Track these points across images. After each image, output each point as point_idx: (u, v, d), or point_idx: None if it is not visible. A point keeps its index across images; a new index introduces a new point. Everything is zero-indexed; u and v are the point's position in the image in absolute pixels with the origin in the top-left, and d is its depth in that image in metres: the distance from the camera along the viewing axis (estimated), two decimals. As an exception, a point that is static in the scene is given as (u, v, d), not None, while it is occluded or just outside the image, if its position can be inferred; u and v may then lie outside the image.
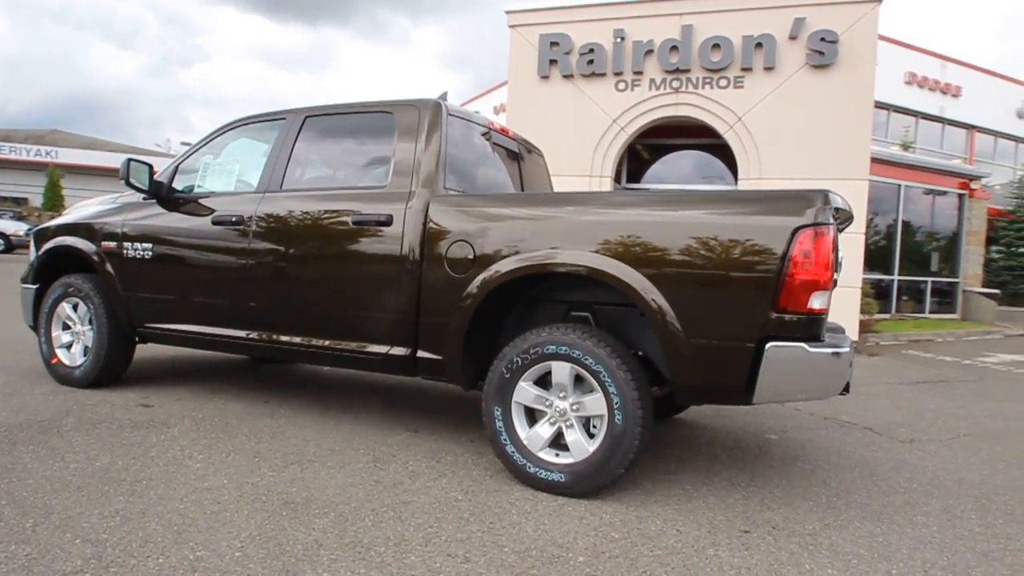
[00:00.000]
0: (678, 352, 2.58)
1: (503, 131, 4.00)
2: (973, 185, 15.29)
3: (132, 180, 3.73)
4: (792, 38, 8.87)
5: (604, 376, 2.68)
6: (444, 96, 3.61)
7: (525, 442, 2.87)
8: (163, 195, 3.94)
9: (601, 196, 3.10)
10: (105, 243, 4.08)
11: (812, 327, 2.46)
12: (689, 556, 2.30)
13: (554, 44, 9.94)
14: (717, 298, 2.55)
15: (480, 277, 2.92)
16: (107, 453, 3.01)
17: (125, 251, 3.98)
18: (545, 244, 2.83)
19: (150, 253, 3.89)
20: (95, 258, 4.08)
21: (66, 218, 4.45)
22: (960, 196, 15.44)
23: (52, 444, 3.09)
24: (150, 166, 3.86)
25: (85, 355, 4.25)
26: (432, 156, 3.24)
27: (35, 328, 4.50)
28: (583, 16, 9.86)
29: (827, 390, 2.54)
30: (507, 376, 2.89)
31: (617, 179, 10.80)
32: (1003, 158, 22.58)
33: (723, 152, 10.10)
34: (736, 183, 9.64)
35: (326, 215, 3.38)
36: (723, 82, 9.25)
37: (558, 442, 2.87)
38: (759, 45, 8.97)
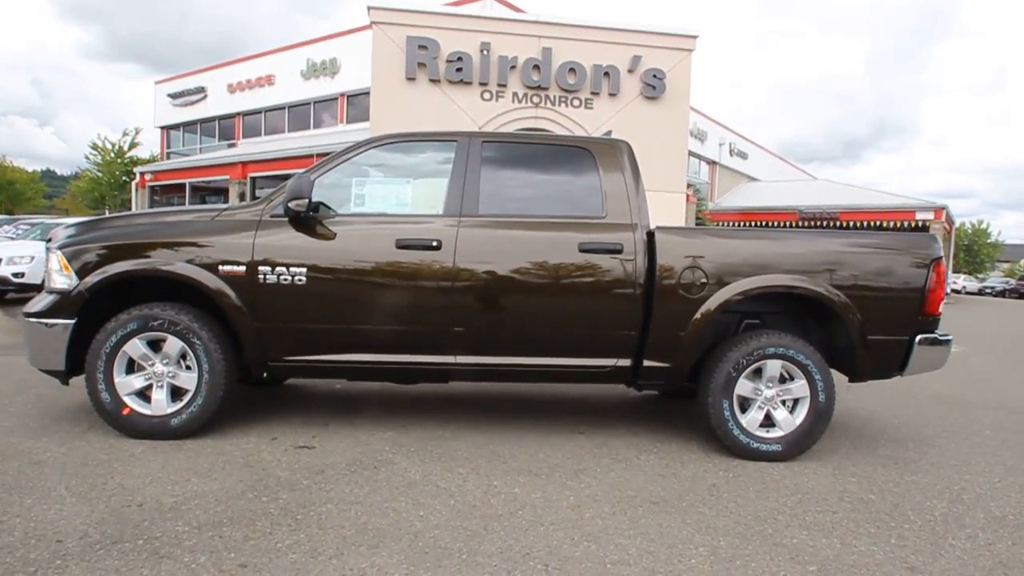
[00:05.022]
0: (865, 345, 3.65)
1: None
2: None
3: (311, 199, 3.37)
4: (630, 71, 10.63)
5: (811, 367, 3.62)
6: (610, 133, 4.06)
7: (746, 425, 3.65)
8: (303, 215, 3.57)
9: (802, 233, 3.93)
10: (227, 268, 3.50)
11: (936, 324, 3.76)
12: (928, 484, 3.40)
13: (422, 47, 10.10)
14: (887, 307, 3.68)
15: (716, 296, 3.57)
16: (422, 497, 2.89)
17: (263, 277, 3.50)
18: (767, 269, 3.62)
19: (304, 279, 3.51)
20: (213, 285, 3.48)
21: (125, 235, 3.59)
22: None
23: (342, 497, 2.82)
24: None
25: (174, 400, 3.58)
26: (641, 191, 3.74)
27: (63, 373, 3.61)
28: (450, 24, 10.22)
29: (940, 365, 3.87)
30: (733, 375, 3.62)
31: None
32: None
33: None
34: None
35: (547, 241, 3.60)
36: (576, 102, 10.62)
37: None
38: (606, 74, 10.54)
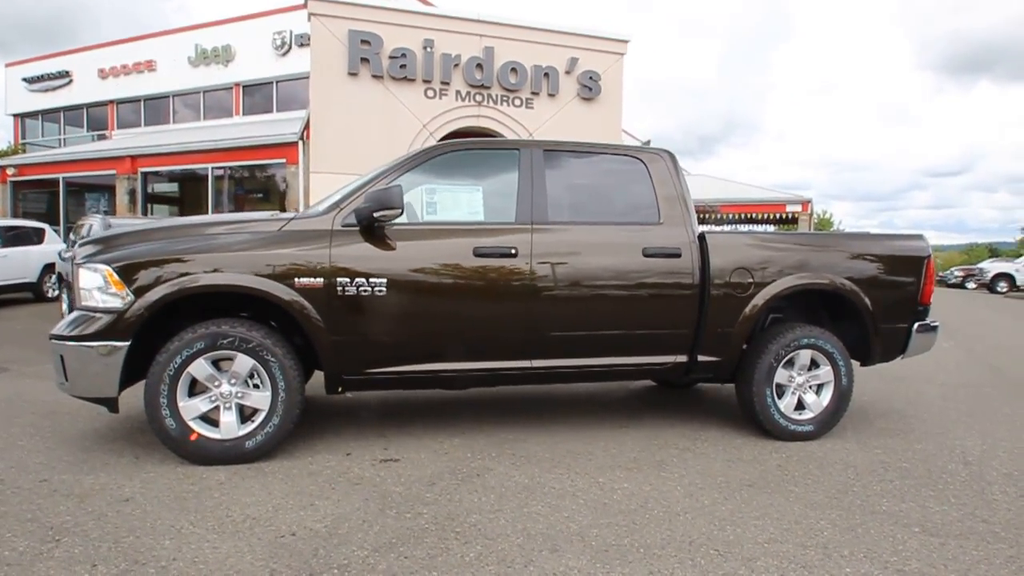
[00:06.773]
0: (877, 333, 4.18)
1: None
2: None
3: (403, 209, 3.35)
4: (568, 73, 10.96)
5: (836, 355, 4.10)
6: (648, 143, 4.29)
7: (784, 410, 4.07)
8: (373, 224, 3.52)
9: (832, 236, 4.36)
10: (304, 280, 3.38)
11: (928, 313, 4.38)
12: (935, 450, 3.96)
13: (365, 42, 9.83)
14: (893, 299, 4.23)
15: (761, 295, 3.94)
16: (549, 499, 3.00)
17: (342, 289, 3.41)
18: (802, 268, 4.02)
19: (384, 289, 3.47)
20: (290, 299, 3.35)
21: (186, 249, 3.34)
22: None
23: (479, 507, 2.87)
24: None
25: (244, 421, 3.42)
26: (689, 199, 4.03)
27: (113, 400, 3.35)
28: (393, 19, 10.01)
29: (930, 348, 4.48)
30: (775, 365, 4.02)
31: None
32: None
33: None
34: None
35: (615, 246, 3.79)
36: (517, 101, 10.78)
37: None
38: (546, 75, 10.79)
